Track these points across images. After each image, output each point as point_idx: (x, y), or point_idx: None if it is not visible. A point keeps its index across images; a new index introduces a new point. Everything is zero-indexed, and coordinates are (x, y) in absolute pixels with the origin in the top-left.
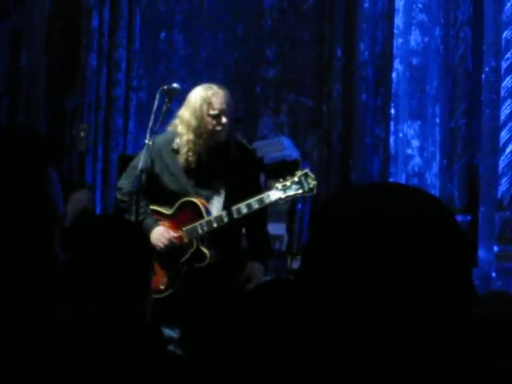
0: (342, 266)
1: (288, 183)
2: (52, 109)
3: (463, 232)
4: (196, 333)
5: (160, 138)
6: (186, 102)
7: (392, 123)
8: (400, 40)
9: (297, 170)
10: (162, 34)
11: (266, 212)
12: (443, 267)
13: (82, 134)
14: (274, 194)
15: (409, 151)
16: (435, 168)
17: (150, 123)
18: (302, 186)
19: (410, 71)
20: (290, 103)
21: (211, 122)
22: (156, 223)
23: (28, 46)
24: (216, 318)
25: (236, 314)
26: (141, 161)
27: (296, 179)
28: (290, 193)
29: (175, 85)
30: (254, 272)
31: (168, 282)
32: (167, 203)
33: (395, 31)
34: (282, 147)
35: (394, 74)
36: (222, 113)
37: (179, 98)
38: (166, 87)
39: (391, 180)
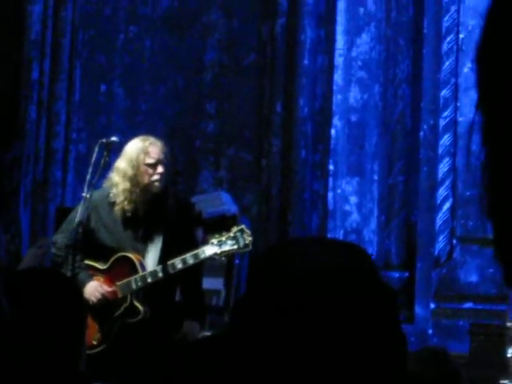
0: (279, 319)
1: (223, 238)
2: None
3: (388, 284)
4: None
5: (96, 193)
6: (123, 153)
7: (331, 179)
8: (339, 96)
9: (235, 224)
10: (102, 87)
11: (201, 268)
12: (371, 315)
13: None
14: (209, 249)
15: (347, 207)
16: (373, 224)
17: (88, 176)
18: (237, 242)
19: (348, 127)
20: (230, 158)
21: (148, 171)
22: (90, 278)
23: None
24: (149, 374)
25: (168, 372)
26: (78, 213)
27: (232, 235)
28: (226, 248)
29: (114, 138)
30: (190, 330)
31: (101, 337)
32: (102, 258)
33: (334, 87)
34: (221, 202)
35: (332, 131)
36: (158, 162)
37: (118, 151)
38: (104, 140)
39: (329, 235)
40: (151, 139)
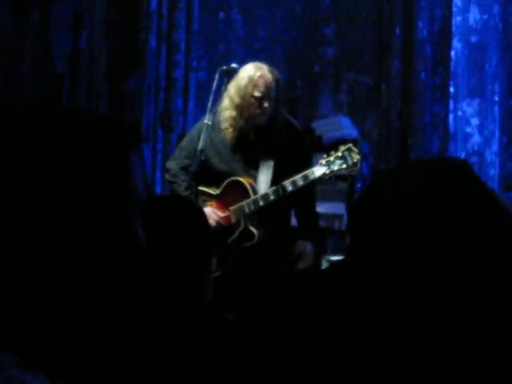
0: (393, 240)
1: (332, 158)
2: (112, 91)
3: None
4: (248, 314)
5: (207, 120)
6: (236, 78)
7: (451, 101)
8: (458, 18)
9: (359, 149)
10: (221, 14)
11: (313, 190)
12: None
13: None
14: (318, 170)
15: (468, 129)
16: (495, 146)
17: (209, 104)
18: (345, 161)
19: (468, 49)
20: (349, 82)
21: (253, 104)
22: (203, 204)
23: (88, 28)
24: (267, 297)
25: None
26: (201, 141)
27: (339, 154)
28: (334, 168)
29: (234, 65)
30: (303, 251)
31: (217, 264)
32: (215, 183)
33: (454, 9)
34: (341, 126)
35: (452, 53)
36: (265, 96)
37: None
38: (224, 67)
39: None
40: (264, 70)
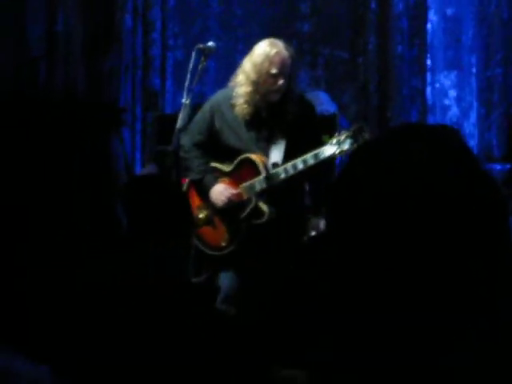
0: (380, 208)
1: (342, 138)
2: (89, 71)
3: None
4: (258, 288)
5: (220, 94)
6: (250, 53)
7: (429, 74)
8: None
9: (334, 124)
10: None
11: (329, 167)
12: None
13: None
14: (328, 149)
15: (446, 101)
16: (473, 117)
17: (187, 82)
18: (356, 140)
19: (444, 22)
20: (326, 57)
21: (269, 80)
22: (215, 180)
23: (64, 9)
24: (277, 274)
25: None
26: (179, 119)
27: (350, 133)
28: (345, 147)
29: (211, 43)
30: (315, 228)
31: (229, 239)
32: (227, 159)
33: None
34: (319, 102)
35: (428, 25)
36: (280, 74)
37: (215, 56)
38: (201, 46)
39: None
40: (279, 47)
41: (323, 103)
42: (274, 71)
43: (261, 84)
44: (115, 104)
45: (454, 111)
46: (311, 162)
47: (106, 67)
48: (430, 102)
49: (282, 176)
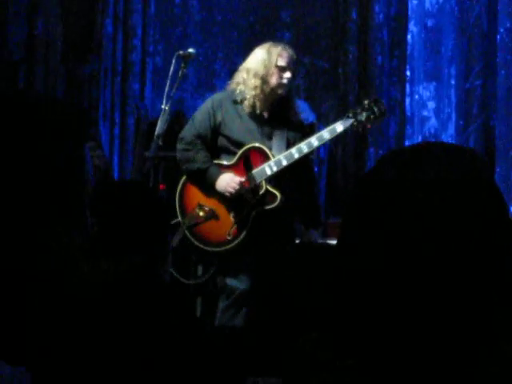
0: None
1: (358, 110)
2: (69, 76)
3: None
4: (266, 278)
5: (219, 94)
6: (252, 55)
7: (408, 85)
8: (415, 1)
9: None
10: None
11: (314, 178)
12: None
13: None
14: (345, 123)
15: (425, 113)
16: (451, 129)
17: (166, 88)
18: (373, 112)
19: (425, 33)
20: (306, 66)
21: (277, 73)
22: (220, 171)
23: (44, 13)
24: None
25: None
26: (157, 126)
27: (366, 106)
28: (362, 118)
29: (191, 50)
30: (312, 239)
31: (236, 230)
32: (225, 155)
33: None
34: (298, 110)
35: (409, 36)
36: (288, 67)
37: (195, 63)
38: (181, 52)
39: (407, 142)
40: (283, 45)
41: (303, 112)
42: (282, 63)
43: (270, 77)
44: (78, 105)
45: (433, 123)
46: (316, 144)
47: (85, 72)
48: (408, 113)
49: (296, 156)
